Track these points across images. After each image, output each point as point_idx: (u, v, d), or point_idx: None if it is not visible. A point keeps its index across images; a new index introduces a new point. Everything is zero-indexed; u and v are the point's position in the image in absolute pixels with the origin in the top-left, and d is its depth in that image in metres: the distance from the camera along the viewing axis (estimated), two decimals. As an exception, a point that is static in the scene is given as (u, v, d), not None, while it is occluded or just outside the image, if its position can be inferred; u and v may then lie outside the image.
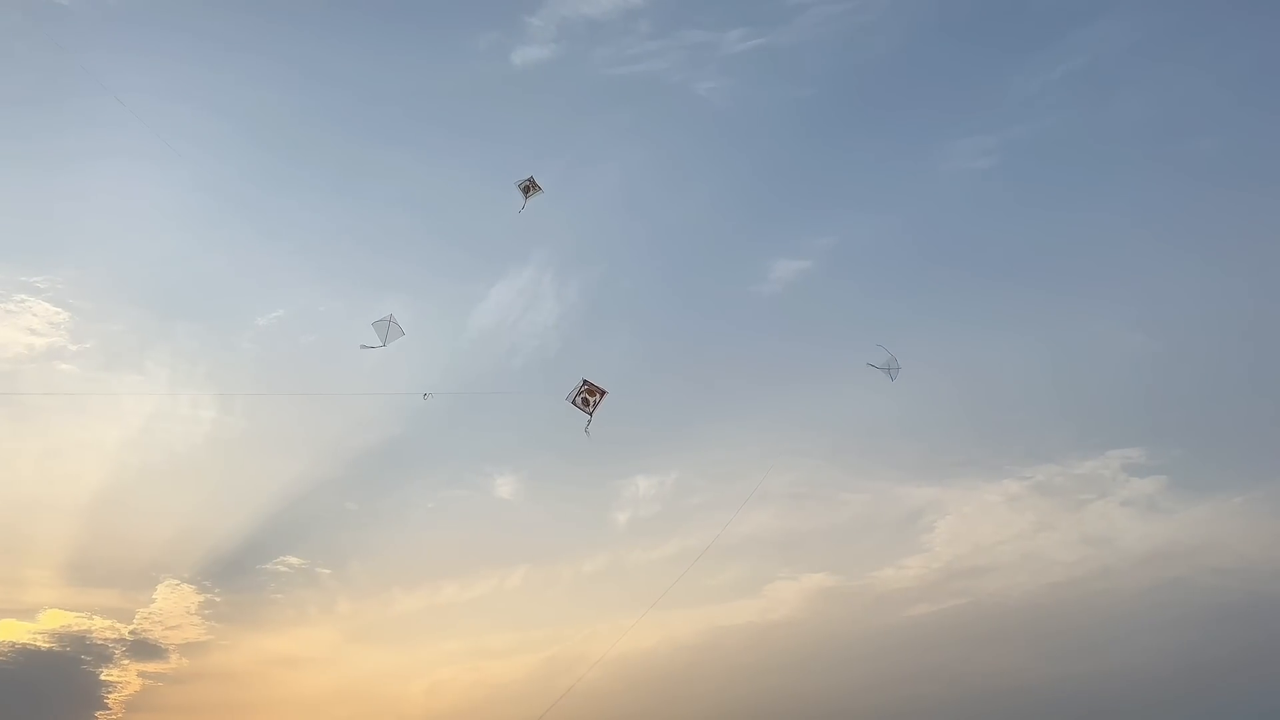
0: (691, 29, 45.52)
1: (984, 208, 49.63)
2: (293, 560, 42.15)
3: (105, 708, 38.61)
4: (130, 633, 39.72)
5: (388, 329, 31.48)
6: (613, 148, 46.34)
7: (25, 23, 38.89)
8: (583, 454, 47.21)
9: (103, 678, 38.87)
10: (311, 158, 43.98)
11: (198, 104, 41.33)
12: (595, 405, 30.99)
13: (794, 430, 47.08)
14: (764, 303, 48.12)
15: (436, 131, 45.18)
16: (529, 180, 33.88)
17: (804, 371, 47.66)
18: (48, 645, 38.52)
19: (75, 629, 39.04)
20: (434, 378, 44.65)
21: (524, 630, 44.62)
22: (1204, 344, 46.43)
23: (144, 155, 40.34)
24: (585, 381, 31.08)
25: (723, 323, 48.55)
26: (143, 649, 39.67)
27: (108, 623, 39.55)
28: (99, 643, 39.24)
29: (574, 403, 31.06)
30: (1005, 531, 46.90)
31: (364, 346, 31.42)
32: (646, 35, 44.82)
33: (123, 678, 39.21)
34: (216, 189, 42.40)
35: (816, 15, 45.30)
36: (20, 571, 38.47)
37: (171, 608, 40.31)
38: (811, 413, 46.85)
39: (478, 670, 43.05)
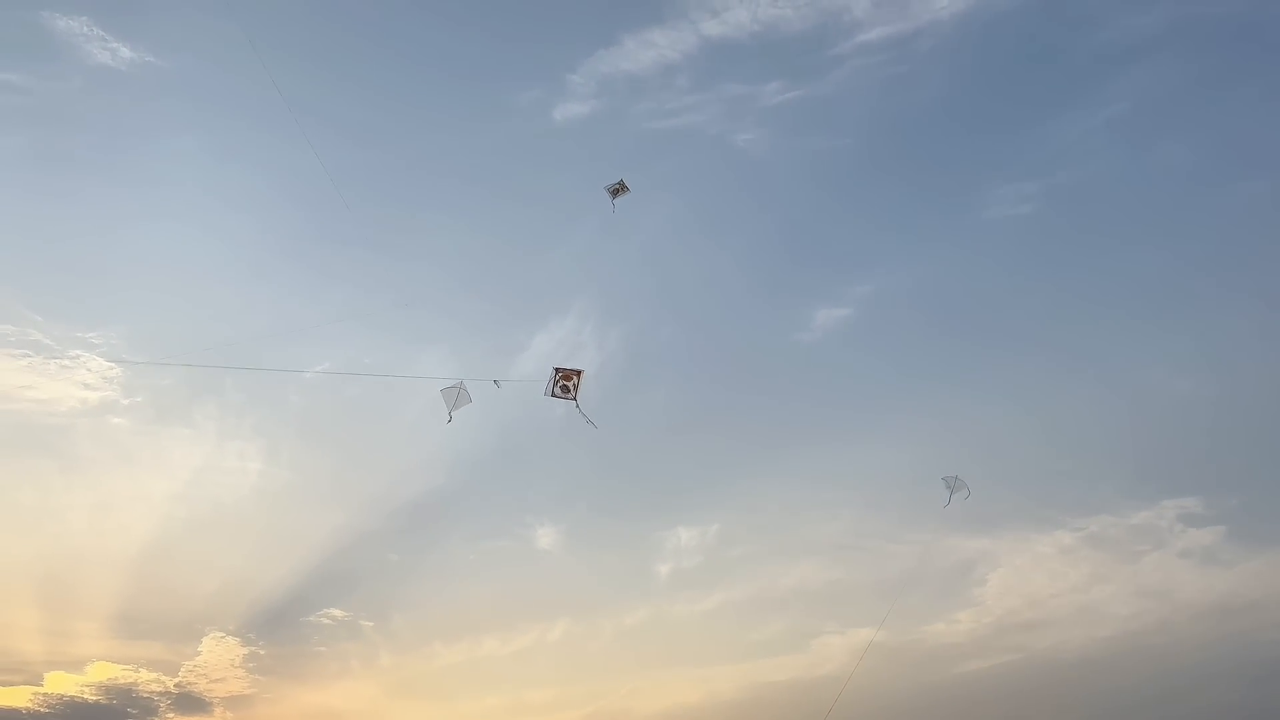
0: (729, 82, 46.07)
1: (1028, 253, 49.19)
2: (336, 613, 42.24)
3: (150, 762, 38.82)
4: (175, 685, 39.92)
5: (456, 397, 31.37)
6: (652, 198, 46.64)
7: (86, 86, 40.39)
8: (623, 504, 47.13)
9: (148, 731, 39.10)
10: (355, 214, 44.82)
11: (245, 163, 42.57)
12: (577, 388, 29.74)
13: (837, 479, 46.56)
14: (805, 351, 47.93)
15: (479, 186, 45.98)
16: (619, 183, 34.15)
17: (847, 419, 47.28)
18: (95, 698, 38.81)
19: (122, 682, 39.35)
20: (475, 427, 45.07)
21: (565, 685, 44.05)
22: (1261, 389, 45.24)
23: (195, 216, 41.77)
24: (556, 370, 29.93)
25: (764, 371, 48.36)
26: (188, 702, 39.83)
27: (154, 675, 39.82)
28: (145, 696, 39.46)
29: (554, 394, 29.79)
30: (1058, 584, 45.66)
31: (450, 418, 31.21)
32: (685, 89, 45.43)
33: (167, 731, 39.38)
34: (264, 246, 43.54)
35: (853, 67, 45.62)
36: (70, 624, 38.95)
37: (216, 661, 40.50)
38: (855, 461, 46.29)
39: (520, 726, 42.57)
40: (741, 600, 45.59)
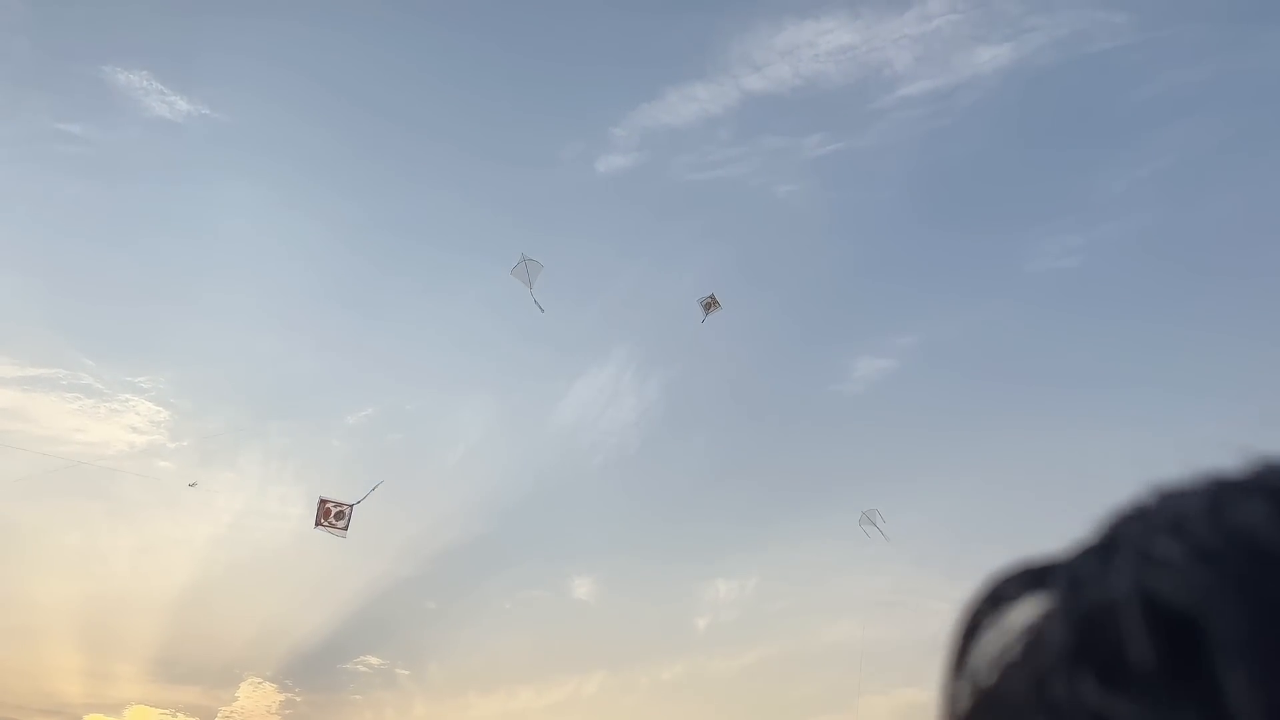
0: (770, 135, 46.31)
1: (1073, 306, 48.52)
2: (372, 660, 42.04)
3: (183, 809, 38.62)
4: (211, 731, 39.82)
5: (526, 269, 30.36)
6: (693, 248, 46.93)
7: (144, 137, 41.61)
8: (660, 555, 46.69)
9: (183, 777, 38.97)
10: (400, 263, 45.58)
11: (297, 214, 43.47)
12: (346, 521, 28.54)
13: (879, 533, 45.74)
14: (847, 402, 47.44)
15: (522, 235, 46.47)
16: (710, 297, 34.36)
17: (889, 472, 46.54)
18: (132, 742, 38.82)
19: (158, 726, 39.33)
20: (513, 474, 45.14)
21: (600, 740, 43.43)
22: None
23: (245, 264, 42.64)
24: (322, 501, 28.86)
25: (804, 422, 47.95)
26: (223, 748, 39.70)
27: (190, 720, 39.80)
28: (181, 741, 39.41)
29: (319, 523, 28.61)
30: (1109, 645, 44.29)
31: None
32: (726, 142, 45.75)
33: (202, 777, 39.21)
34: (310, 294, 44.28)
35: (894, 120, 45.66)
36: (110, 666, 39.13)
37: (253, 706, 40.38)
38: (897, 515, 45.38)
39: (554, 780, 41.90)
40: (781, 656, 44.80)
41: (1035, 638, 0.58)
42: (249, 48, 42.27)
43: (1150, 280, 47.93)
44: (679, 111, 45.79)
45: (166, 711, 39.54)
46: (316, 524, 28.70)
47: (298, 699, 40.93)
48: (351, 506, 28.79)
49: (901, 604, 45.23)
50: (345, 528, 28.78)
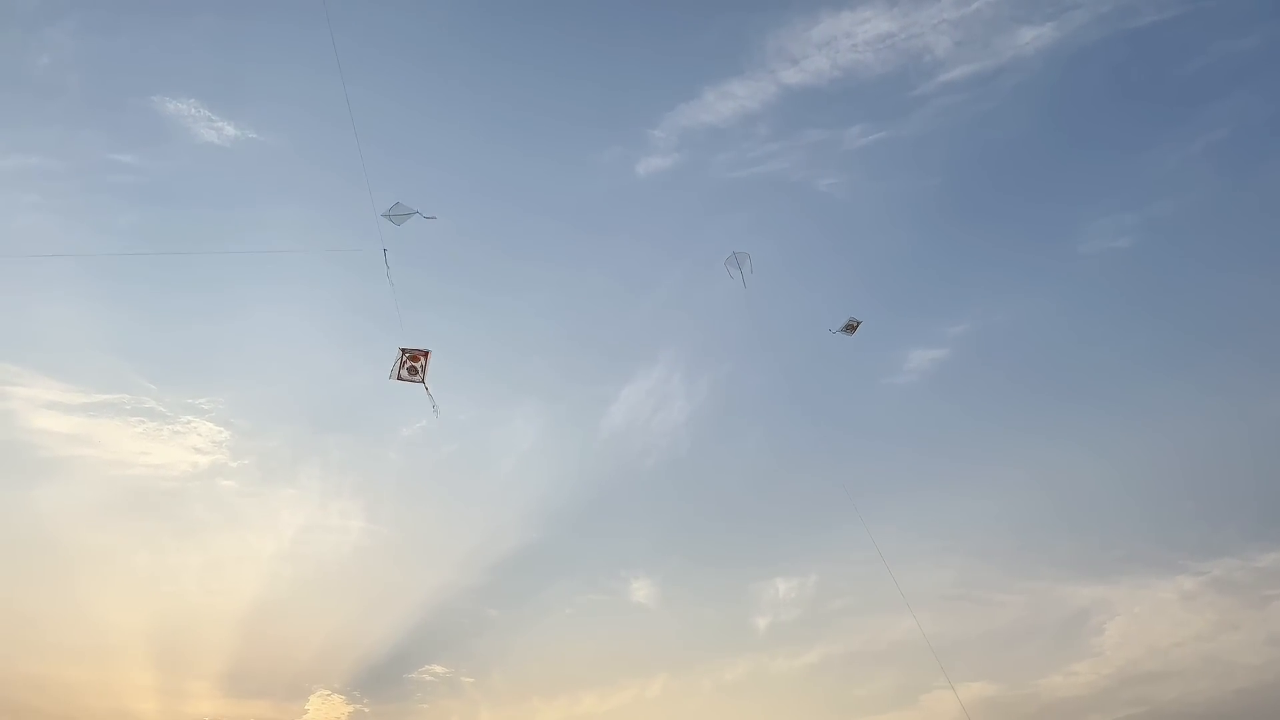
0: (810, 128, 46.05)
1: (1129, 286, 47.50)
2: (437, 669, 42.44)
3: (259, 821, 39.23)
4: (283, 744, 40.41)
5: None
6: (736, 247, 46.38)
7: (194, 164, 42.56)
8: (717, 556, 46.47)
9: (257, 789, 39.58)
10: (447, 276, 45.97)
11: (345, 232, 44.01)
12: (424, 370, 27.63)
13: (940, 527, 45.13)
14: (899, 394, 46.94)
15: (565, 242, 46.74)
16: (851, 321, 34.47)
17: (946, 464, 45.93)
18: (207, 757, 39.54)
19: (232, 740, 40.02)
20: (567, 480, 45.26)
21: (666, 743, 43.25)
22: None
23: (297, 289, 43.33)
24: (402, 351, 27.74)
25: (857, 416, 47.49)
26: (295, 761, 40.27)
27: (263, 734, 40.43)
28: (254, 754, 40.04)
29: (400, 377, 27.51)
30: (1182, 633, 43.12)
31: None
32: (766, 138, 45.57)
33: (276, 790, 39.79)
34: (360, 310, 44.79)
35: (937, 106, 45.15)
36: (183, 683, 39.88)
37: (323, 718, 40.92)
38: (958, 508, 44.85)
39: (621, 785, 41.81)
40: (844, 654, 44.34)
41: None
42: (290, 70, 43.15)
43: (1209, 256, 46.84)
44: (717, 110, 45.75)
45: (239, 726, 40.32)
46: (395, 375, 27.89)
47: (366, 710, 41.47)
48: (427, 354, 28.12)
49: (966, 597, 44.62)
50: (423, 380, 28.07)
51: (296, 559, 42.02)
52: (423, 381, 27.96)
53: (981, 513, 44.84)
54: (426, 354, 28.12)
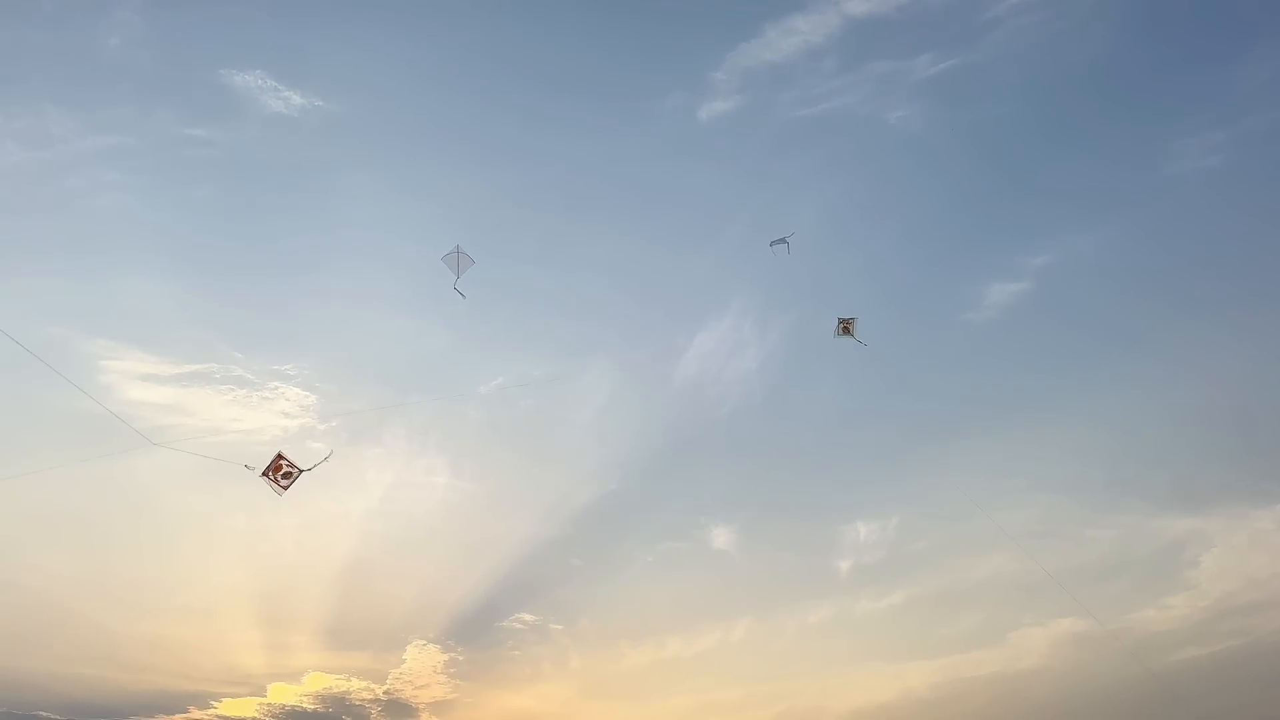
0: (877, 60, 44.65)
1: (1218, 208, 45.38)
2: (527, 617, 43.59)
3: (366, 766, 41.13)
4: (384, 693, 42.09)
5: (457, 260, 31.39)
6: (804, 188, 45.84)
7: (263, 134, 43.16)
8: (796, 501, 46.48)
9: (361, 737, 41.41)
10: (516, 233, 46.04)
11: (413, 194, 44.44)
12: (286, 472, 28.58)
13: (1024, 464, 44.37)
14: (979, 330, 45.90)
15: (630, 194, 46.35)
16: (848, 322, 33.91)
17: (1030, 399, 44.96)
18: (313, 706, 41.41)
19: (336, 690, 41.82)
20: (645, 431, 45.55)
21: (752, 684, 43.83)
22: None
23: (369, 248, 43.93)
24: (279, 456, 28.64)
25: (935, 355, 46.61)
26: (396, 708, 41.94)
27: (364, 683, 42.14)
28: (357, 703, 41.80)
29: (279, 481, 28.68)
30: (1282, 563, 41.97)
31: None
32: (831, 73, 44.34)
33: (379, 737, 41.56)
34: (435, 270, 45.21)
35: (1010, 29, 43.34)
36: (287, 637, 41.69)
37: (420, 668, 42.44)
38: (1043, 443, 43.96)
39: (711, 726, 42.56)
40: (929, 594, 44.19)
41: None
42: (354, 37, 43.30)
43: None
44: (779, 47, 44.61)
45: (341, 676, 42.07)
46: (263, 473, 29.02)
47: (460, 658, 42.91)
48: (301, 471, 29.13)
49: (1053, 534, 43.92)
50: (286, 488, 29.12)
51: (386, 516, 43.34)
52: (283, 489, 28.88)
53: (1068, 448, 43.96)
54: (299, 472, 29.03)
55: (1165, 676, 40.47)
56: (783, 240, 33.55)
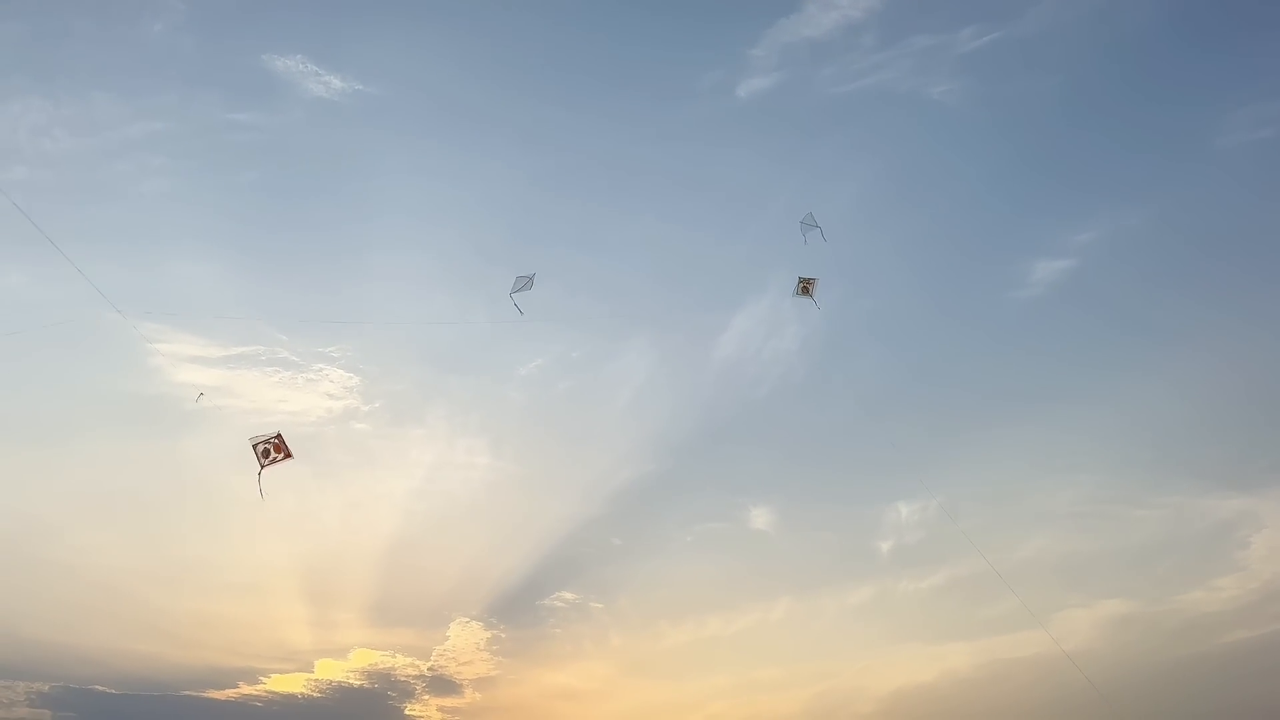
0: (918, 34, 44.00)
1: (1272, 180, 44.23)
2: (568, 595, 43.97)
3: (412, 741, 41.84)
4: (429, 669, 42.75)
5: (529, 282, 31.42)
6: (845, 165, 45.38)
7: (306, 118, 43.55)
8: (835, 482, 46.29)
9: (407, 712, 42.06)
10: (553, 215, 46.15)
11: (454, 176, 44.66)
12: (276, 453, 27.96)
13: (1069, 443, 43.75)
14: (1024, 307, 45.28)
15: (669, 174, 46.19)
16: (808, 282, 33.58)
17: (1076, 378, 44.32)
18: (359, 682, 42.15)
19: (381, 666, 42.53)
20: (684, 411, 45.55)
21: (792, 664, 43.89)
22: None
23: (413, 235, 44.26)
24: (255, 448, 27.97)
25: (980, 333, 46.11)
26: (440, 684, 42.56)
27: (408, 660, 42.82)
28: (402, 679, 42.47)
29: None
30: (1336, 544, 41.08)
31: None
32: (872, 48, 43.79)
33: (424, 712, 42.20)
34: (474, 251, 45.55)
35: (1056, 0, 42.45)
36: (333, 614, 42.42)
37: (463, 644, 43.01)
38: (1089, 423, 43.30)
39: (751, 704, 42.63)
40: (971, 575, 43.75)
41: None
42: (393, 20, 43.49)
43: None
44: (818, 22, 44.10)
45: (386, 653, 42.76)
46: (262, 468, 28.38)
47: (503, 635, 43.41)
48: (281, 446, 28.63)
49: (1098, 514, 43.34)
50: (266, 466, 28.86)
51: (429, 495, 43.85)
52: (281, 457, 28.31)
53: (1115, 427, 43.29)
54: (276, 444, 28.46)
55: (1215, 658, 40.05)
56: (813, 226, 33.04)
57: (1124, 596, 41.89)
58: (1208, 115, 44.20)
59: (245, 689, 40.95)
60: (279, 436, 28.20)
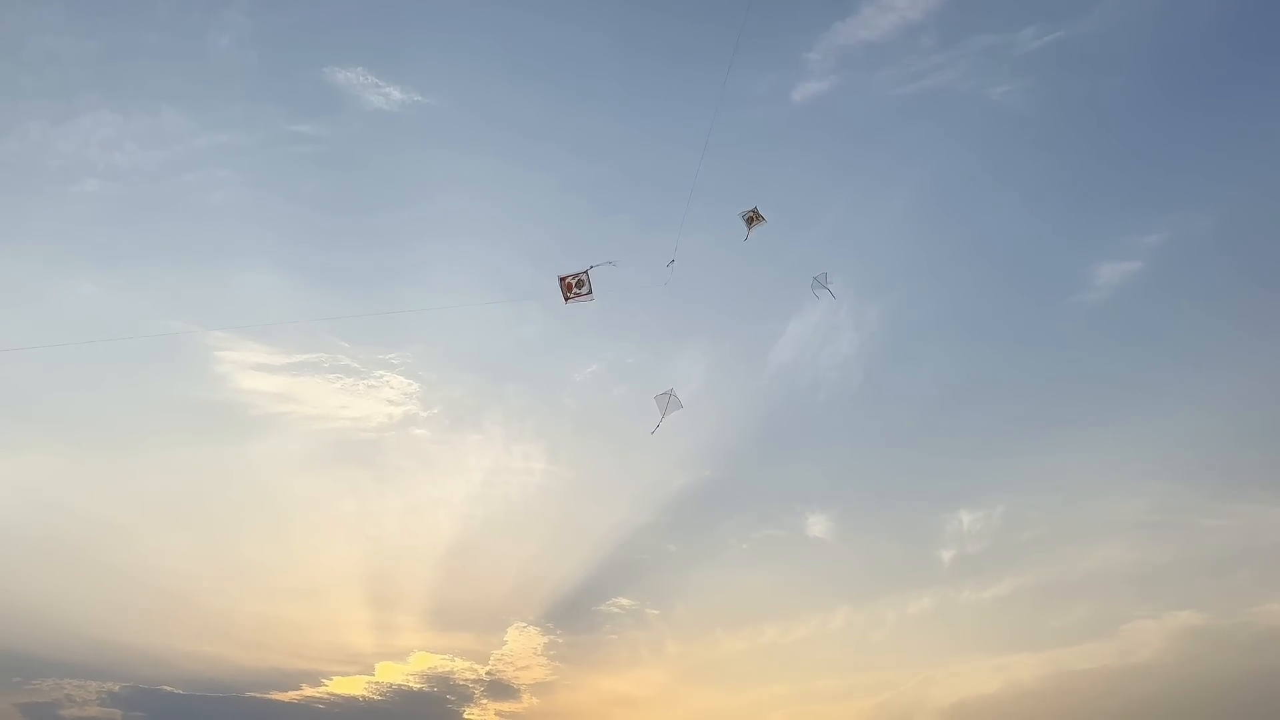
0: (978, 34, 43.24)
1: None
2: (624, 602, 44.00)
3: (471, 745, 42.18)
4: (487, 673, 43.09)
5: (668, 402, 31.45)
6: (903, 168, 44.78)
7: (366, 129, 44.14)
8: (895, 489, 45.65)
9: (466, 716, 42.46)
10: (604, 225, 46.10)
11: (511, 184, 44.91)
12: (586, 285, 28.43)
13: (1138, 451, 42.67)
14: (1089, 312, 44.22)
15: (726, 180, 45.76)
16: (752, 211, 33.23)
17: (1143, 384, 43.17)
18: (419, 686, 42.62)
19: (440, 670, 42.95)
20: (736, 417, 45.31)
21: (851, 674, 43.45)
22: None
23: (470, 243, 44.61)
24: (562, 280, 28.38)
25: (1042, 338, 45.13)
26: (498, 689, 42.89)
27: (467, 664, 43.20)
28: (461, 683, 42.86)
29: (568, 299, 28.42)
30: None
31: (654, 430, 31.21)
32: (930, 49, 43.15)
33: (483, 716, 42.58)
34: (529, 259, 45.76)
35: (1119, -3, 41.51)
36: (393, 618, 42.98)
37: (520, 649, 43.28)
38: (1158, 430, 42.17)
39: (809, 714, 42.29)
40: (1036, 585, 42.98)
41: None
42: (451, 31, 43.85)
43: None
44: (875, 24, 43.56)
45: (445, 656, 43.18)
46: (565, 299, 29.19)
47: (560, 640, 43.58)
48: (587, 271, 29.15)
49: (1168, 523, 42.17)
50: (589, 292, 29.30)
51: (487, 500, 44.22)
52: (590, 296, 28.97)
53: (1184, 435, 42.10)
54: (586, 273, 29.03)
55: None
56: (824, 286, 32.76)
57: (1195, 608, 40.78)
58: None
59: (308, 691, 41.71)
60: (587, 273, 28.67)
